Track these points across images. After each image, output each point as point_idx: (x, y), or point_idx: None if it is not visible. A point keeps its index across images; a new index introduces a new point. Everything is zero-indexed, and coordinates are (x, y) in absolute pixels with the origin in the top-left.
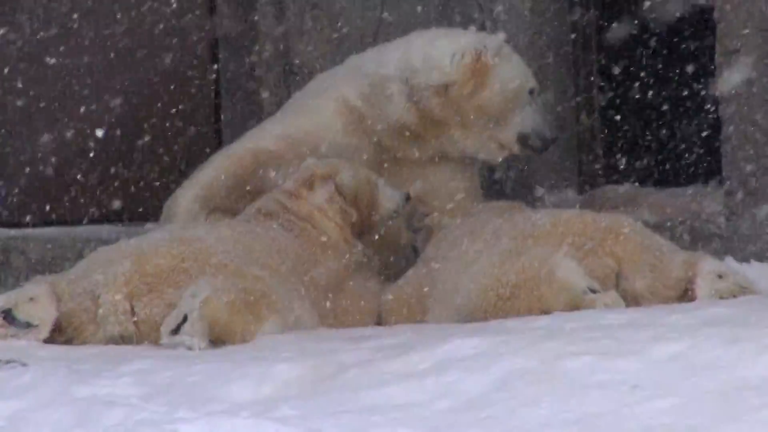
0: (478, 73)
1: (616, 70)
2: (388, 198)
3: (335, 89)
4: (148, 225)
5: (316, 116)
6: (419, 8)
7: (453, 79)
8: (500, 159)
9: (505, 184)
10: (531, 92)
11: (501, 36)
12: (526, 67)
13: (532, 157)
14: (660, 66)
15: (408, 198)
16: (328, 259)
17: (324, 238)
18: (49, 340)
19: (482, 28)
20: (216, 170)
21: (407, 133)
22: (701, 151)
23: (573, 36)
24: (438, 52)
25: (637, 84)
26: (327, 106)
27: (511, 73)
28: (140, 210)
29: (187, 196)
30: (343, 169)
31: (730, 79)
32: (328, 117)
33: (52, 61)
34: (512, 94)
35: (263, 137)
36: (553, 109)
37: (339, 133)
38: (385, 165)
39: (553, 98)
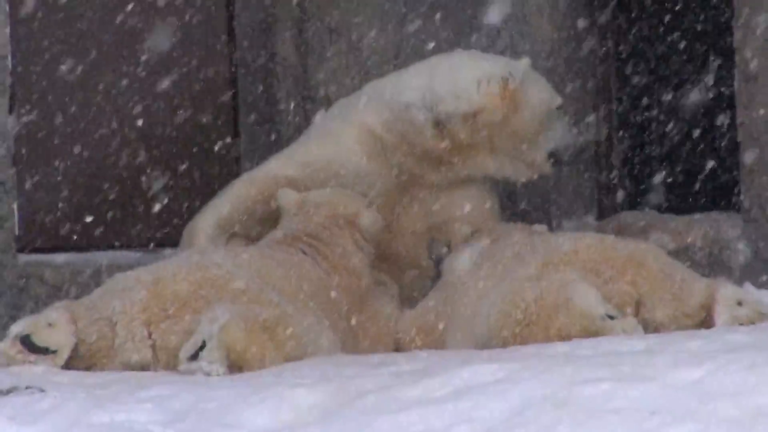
0: (507, 100)
1: (637, 96)
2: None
3: (356, 116)
4: (167, 251)
5: (337, 143)
6: (438, 32)
7: (480, 106)
8: (532, 178)
9: (523, 209)
10: (558, 109)
11: (526, 61)
12: (550, 87)
13: (553, 177)
14: (680, 90)
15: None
16: (349, 285)
17: (347, 265)
18: (67, 365)
19: (502, 51)
20: (236, 196)
21: (432, 159)
22: (721, 176)
23: (593, 59)
24: (463, 79)
25: (657, 109)
26: (348, 132)
27: (539, 96)
28: (158, 236)
29: (206, 221)
30: (364, 210)
31: (750, 104)
32: (350, 144)
33: (71, 88)
34: (541, 116)
35: (284, 163)
36: (576, 118)
37: (360, 159)
38: (406, 189)
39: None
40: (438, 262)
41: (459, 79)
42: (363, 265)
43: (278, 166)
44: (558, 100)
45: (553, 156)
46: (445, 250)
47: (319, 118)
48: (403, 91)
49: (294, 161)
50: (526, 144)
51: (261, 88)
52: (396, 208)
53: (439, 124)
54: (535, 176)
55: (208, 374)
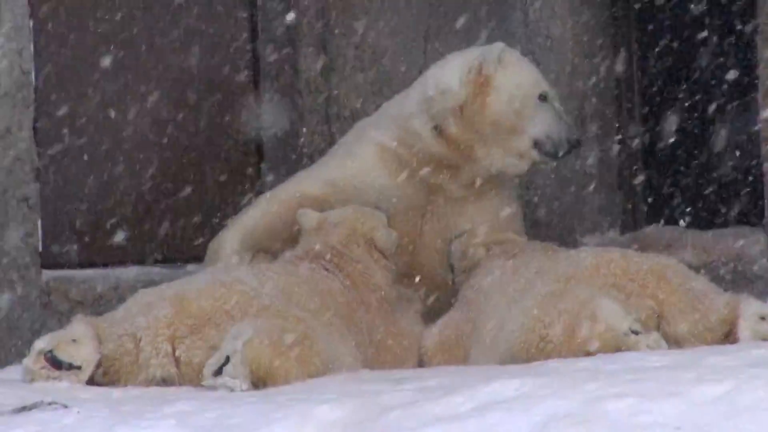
0: (482, 85)
1: (659, 109)
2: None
3: (371, 136)
4: (191, 267)
5: (358, 161)
6: (464, 47)
7: (463, 98)
8: (524, 169)
9: (545, 224)
10: (543, 97)
11: (499, 44)
12: (534, 72)
13: (565, 178)
14: (704, 103)
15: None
16: (371, 301)
17: (369, 281)
18: (91, 381)
19: None
20: (261, 213)
21: (442, 166)
22: (745, 191)
23: (615, 75)
24: (447, 75)
25: (680, 123)
26: (367, 151)
27: (516, 79)
28: (182, 252)
29: (231, 238)
30: (379, 227)
31: None
32: (371, 162)
33: (95, 106)
34: (519, 100)
35: (308, 182)
36: (576, 113)
37: (383, 176)
38: (430, 203)
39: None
40: (452, 267)
41: (444, 77)
42: (385, 280)
43: (303, 184)
44: (542, 87)
45: (539, 145)
46: (460, 245)
47: (342, 138)
48: (405, 105)
49: (318, 180)
50: (508, 131)
51: (284, 103)
52: (419, 222)
53: (436, 127)
54: (526, 167)
55: (231, 390)
